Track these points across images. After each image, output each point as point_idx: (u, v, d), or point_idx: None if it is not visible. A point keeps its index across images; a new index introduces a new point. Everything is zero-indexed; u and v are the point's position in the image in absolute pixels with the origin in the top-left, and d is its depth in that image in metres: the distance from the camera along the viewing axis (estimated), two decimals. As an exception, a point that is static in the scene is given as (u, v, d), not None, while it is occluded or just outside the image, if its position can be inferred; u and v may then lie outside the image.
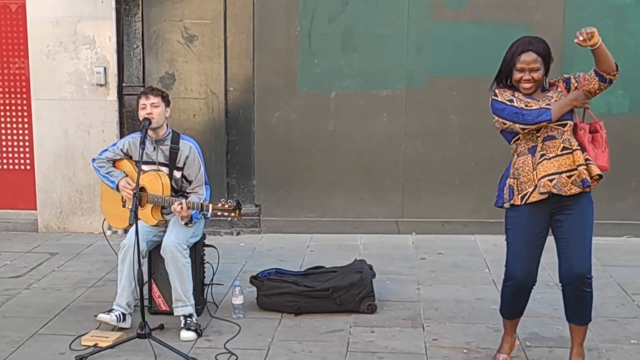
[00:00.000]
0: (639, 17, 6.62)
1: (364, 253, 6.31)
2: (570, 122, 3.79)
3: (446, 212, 6.96)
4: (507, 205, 3.90)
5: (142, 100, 4.63)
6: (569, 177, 3.75)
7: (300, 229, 7.00)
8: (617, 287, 5.43)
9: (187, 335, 4.49)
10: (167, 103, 4.72)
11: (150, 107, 4.61)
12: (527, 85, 3.80)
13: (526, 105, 3.77)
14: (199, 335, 4.52)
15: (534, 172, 3.80)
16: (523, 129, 3.77)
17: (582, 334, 3.96)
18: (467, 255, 6.29)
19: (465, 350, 4.32)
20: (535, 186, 3.79)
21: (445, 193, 6.93)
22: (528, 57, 3.76)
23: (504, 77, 3.89)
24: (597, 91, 3.79)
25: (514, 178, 3.88)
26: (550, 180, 3.77)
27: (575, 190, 3.75)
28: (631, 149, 6.68)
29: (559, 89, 3.84)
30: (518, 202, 3.85)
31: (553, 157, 3.78)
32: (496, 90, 3.90)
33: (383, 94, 6.87)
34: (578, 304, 3.87)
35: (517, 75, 3.80)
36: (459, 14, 6.74)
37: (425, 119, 6.90)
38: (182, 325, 4.54)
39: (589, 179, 3.73)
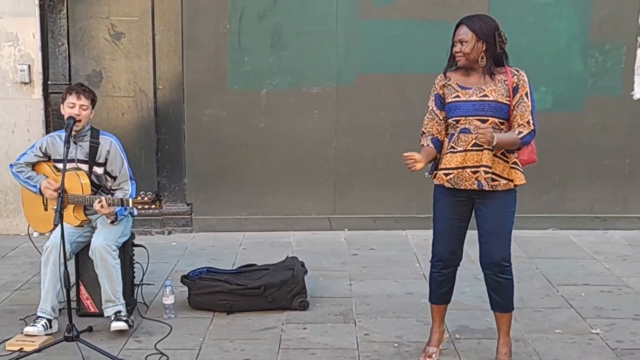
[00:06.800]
0: (560, 16, 6.79)
1: (296, 250, 6.33)
2: (493, 119, 3.76)
3: (377, 208, 7.03)
4: (426, 173, 4.01)
5: (72, 99, 4.51)
6: (474, 172, 3.78)
7: (233, 227, 6.97)
8: (543, 278, 5.58)
9: (117, 324, 4.42)
10: (94, 105, 4.64)
11: (78, 108, 4.51)
12: (457, 57, 3.80)
13: (456, 97, 3.80)
14: (130, 326, 4.47)
15: (442, 158, 3.88)
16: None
17: (506, 323, 4.02)
18: (398, 250, 6.36)
19: (396, 344, 4.37)
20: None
21: (376, 189, 6.99)
22: (460, 30, 3.79)
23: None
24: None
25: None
26: (446, 175, 3.84)
27: (476, 187, 3.80)
28: (555, 143, 6.85)
29: (506, 81, 3.76)
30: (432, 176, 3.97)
31: (460, 151, 3.80)
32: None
33: (313, 92, 6.89)
34: (498, 291, 3.95)
35: (454, 49, 3.83)
36: (387, 12, 6.80)
37: (356, 116, 6.94)
38: (113, 319, 4.47)
39: (484, 182, 3.75)
